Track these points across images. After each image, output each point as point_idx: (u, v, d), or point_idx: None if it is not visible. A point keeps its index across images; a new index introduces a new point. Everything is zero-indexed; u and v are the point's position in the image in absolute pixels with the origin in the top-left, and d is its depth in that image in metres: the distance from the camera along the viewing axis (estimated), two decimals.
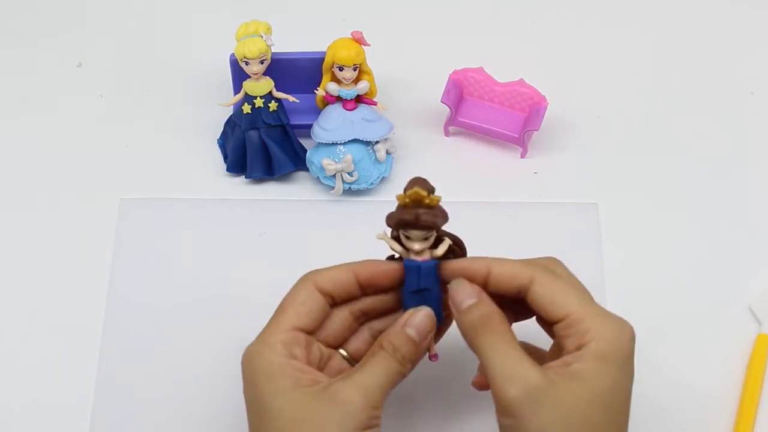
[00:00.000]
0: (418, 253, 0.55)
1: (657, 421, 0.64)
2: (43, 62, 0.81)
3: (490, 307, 0.54)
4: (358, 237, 0.70)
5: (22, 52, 0.82)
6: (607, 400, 0.51)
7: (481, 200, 0.73)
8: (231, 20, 0.69)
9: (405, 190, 0.54)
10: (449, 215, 0.55)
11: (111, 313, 0.68)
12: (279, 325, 0.54)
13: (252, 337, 0.54)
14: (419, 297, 0.55)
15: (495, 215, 0.72)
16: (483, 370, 0.53)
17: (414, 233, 0.54)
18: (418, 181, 0.54)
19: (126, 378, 0.66)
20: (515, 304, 0.55)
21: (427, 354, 0.56)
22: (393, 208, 0.55)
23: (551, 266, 0.56)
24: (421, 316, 0.55)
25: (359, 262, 0.56)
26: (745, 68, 0.81)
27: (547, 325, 0.55)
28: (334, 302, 0.56)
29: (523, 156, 0.75)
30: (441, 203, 0.54)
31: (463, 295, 0.54)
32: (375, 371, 0.52)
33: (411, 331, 0.54)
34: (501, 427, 0.52)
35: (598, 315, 0.53)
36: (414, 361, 0.55)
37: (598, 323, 0.52)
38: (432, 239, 0.55)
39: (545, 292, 0.53)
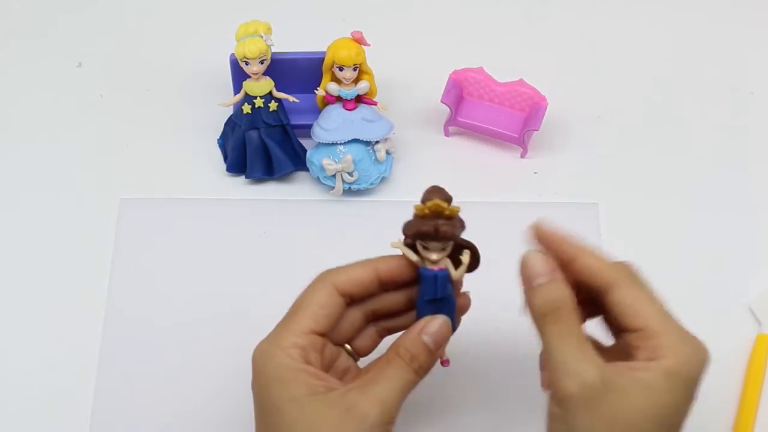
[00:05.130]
0: (435, 262, 0.54)
1: None
2: (43, 62, 0.81)
3: (561, 291, 0.51)
4: (358, 237, 0.71)
5: (23, 52, 0.82)
6: (664, 417, 0.49)
7: (481, 200, 0.73)
8: (231, 20, 0.69)
9: (423, 200, 0.53)
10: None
11: (111, 313, 0.68)
12: (295, 327, 0.53)
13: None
14: (435, 305, 0.55)
15: (495, 215, 0.72)
16: (545, 355, 0.51)
17: (432, 244, 0.53)
18: (437, 191, 0.53)
19: (126, 378, 0.66)
20: (586, 300, 0.52)
21: (439, 360, 0.56)
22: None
23: (631, 270, 0.54)
24: (438, 323, 0.54)
25: (378, 258, 0.55)
26: (745, 68, 0.81)
27: (618, 329, 0.52)
28: (352, 301, 0.55)
29: (523, 156, 0.75)
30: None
31: (537, 270, 0.52)
32: (391, 384, 0.52)
33: (428, 339, 0.53)
34: (550, 413, 0.51)
35: (675, 332, 0.51)
36: (428, 370, 0.54)
37: (674, 341, 0.50)
38: (449, 249, 0.54)
39: (626, 299, 0.51)
